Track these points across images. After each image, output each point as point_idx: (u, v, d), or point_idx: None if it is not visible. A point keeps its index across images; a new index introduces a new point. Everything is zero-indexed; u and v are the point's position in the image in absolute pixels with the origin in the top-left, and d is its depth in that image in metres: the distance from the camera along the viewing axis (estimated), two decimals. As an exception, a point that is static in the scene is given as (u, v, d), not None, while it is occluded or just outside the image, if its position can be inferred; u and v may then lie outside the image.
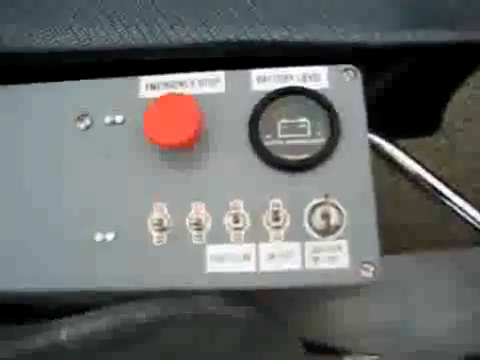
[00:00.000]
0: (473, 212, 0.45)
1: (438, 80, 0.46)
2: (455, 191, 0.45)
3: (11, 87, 0.36)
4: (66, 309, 0.32)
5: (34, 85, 0.36)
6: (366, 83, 0.34)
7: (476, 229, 0.44)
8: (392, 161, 0.46)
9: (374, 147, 0.45)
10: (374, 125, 0.36)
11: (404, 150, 0.46)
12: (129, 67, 0.36)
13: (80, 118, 0.34)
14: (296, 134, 0.33)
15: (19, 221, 0.33)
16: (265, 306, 0.33)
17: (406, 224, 0.88)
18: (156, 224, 0.32)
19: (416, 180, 0.46)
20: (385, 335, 0.44)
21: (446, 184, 0.46)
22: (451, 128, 0.98)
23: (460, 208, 0.45)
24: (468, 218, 0.45)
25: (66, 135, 0.34)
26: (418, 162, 0.46)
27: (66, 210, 0.33)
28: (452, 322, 0.44)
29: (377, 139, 0.45)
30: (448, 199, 0.45)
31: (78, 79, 0.35)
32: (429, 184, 0.45)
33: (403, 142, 0.51)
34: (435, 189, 0.45)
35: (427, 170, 0.46)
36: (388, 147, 0.46)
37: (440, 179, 0.46)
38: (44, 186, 0.34)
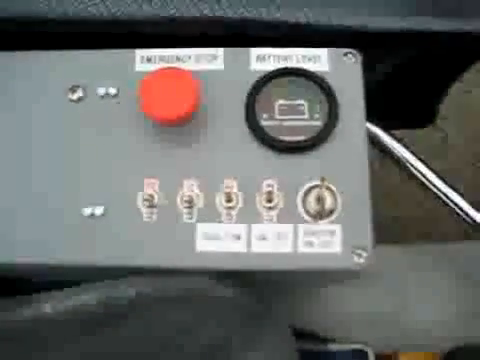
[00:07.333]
0: (465, 206, 0.45)
1: (436, 72, 0.45)
2: (448, 184, 0.45)
3: (2, 53, 0.35)
4: (51, 285, 0.31)
5: (25, 53, 0.34)
6: (364, 72, 0.34)
7: (469, 223, 0.44)
8: (386, 151, 0.46)
9: (369, 136, 0.45)
10: (369, 114, 0.36)
11: (399, 140, 0.46)
12: (125, 40, 0.35)
13: (72, 89, 0.33)
14: (293, 115, 0.32)
15: (4, 192, 0.32)
16: (255, 289, 0.33)
17: (397, 216, 0.88)
18: (146, 200, 0.31)
19: (410, 171, 0.46)
20: (374, 325, 0.44)
21: (440, 177, 0.46)
22: (445, 122, 0.98)
23: (452, 201, 0.45)
24: (460, 212, 0.45)
25: (57, 106, 0.33)
26: (413, 153, 0.46)
27: (54, 183, 0.32)
28: (443, 314, 0.44)
29: (372, 128, 0.45)
30: (441, 192, 0.45)
31: (72, 49, 0.34)
32: (423, 175, 0.45)
33: (398, 135, 0.51)
34: (429, 181, 0.45)
35: (422, 162, 0.46)
36: (383, 137, 0.45)
37: (434, 171, 0.45)
38: (32, 157, 0.33)
